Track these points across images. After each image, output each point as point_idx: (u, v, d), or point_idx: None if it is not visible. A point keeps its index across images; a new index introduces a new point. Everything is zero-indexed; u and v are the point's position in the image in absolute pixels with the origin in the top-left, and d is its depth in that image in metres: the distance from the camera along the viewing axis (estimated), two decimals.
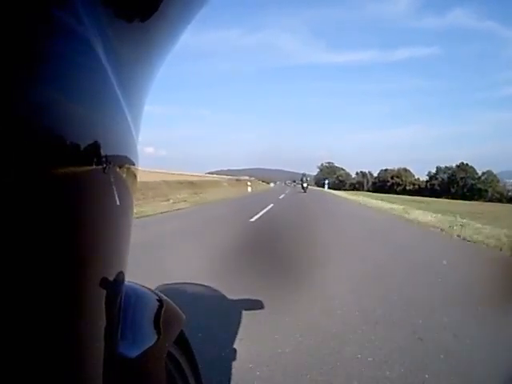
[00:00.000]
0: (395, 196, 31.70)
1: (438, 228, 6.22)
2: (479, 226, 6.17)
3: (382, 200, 15.95)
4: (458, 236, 5.28)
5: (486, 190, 55.92)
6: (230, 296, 2.10)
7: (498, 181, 58.34)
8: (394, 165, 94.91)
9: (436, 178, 63.23)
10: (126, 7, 0.35)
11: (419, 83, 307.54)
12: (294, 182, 48.62)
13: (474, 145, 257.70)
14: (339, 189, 52.09)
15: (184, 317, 0.58)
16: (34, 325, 0.25)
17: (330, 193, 27.15)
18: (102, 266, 0.32)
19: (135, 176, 0.40)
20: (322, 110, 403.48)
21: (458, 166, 61.64)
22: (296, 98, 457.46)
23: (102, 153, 0.30)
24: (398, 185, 65.53)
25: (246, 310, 1.87)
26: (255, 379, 1.35)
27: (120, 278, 0.36)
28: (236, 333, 1.70)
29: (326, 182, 36.86)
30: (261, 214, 7.82)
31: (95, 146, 0.29)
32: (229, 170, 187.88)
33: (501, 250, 4.24)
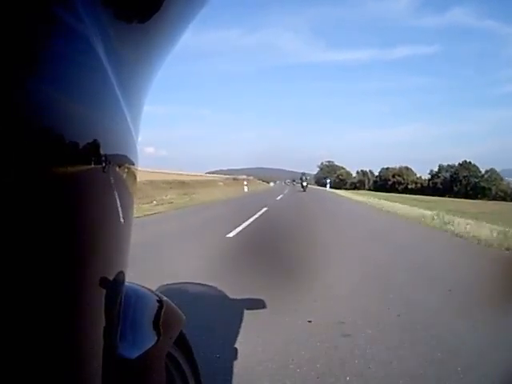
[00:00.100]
0: (398, 195, 30.98)
1: None
2: None
3: (389, 200, 13.71)
4: None
5: (490, 189, 55.59)
6: (231, 296, 2.10)
7: (501, 179, 57.92)
8: (394, 163, 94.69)
9: (438, 177, 62.94)
10: (127, 7, 0.35)
11: (419, 81, 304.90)
12: (294, 181, 48.46)
13: (474, 143, 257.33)
14: (340, 188, 51.93)
15: (184, 317, 0.58)
16: (34, 325, 0.25)
17: (333, 192, 25.20)
18: (102, 265, 0.32)
19: (135, 176, 0.40)
20: (322, 109, 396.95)
21: (460, 165, 61.31)
22: (296, 97, 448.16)
23: (102, 152, 0.30)
24: (400, 183, 65.31)
25: (247, 309, 1.86)
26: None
27: (120, 278, 0.36)
28: (237, 333, 1.69)
29: (328, 181, 35.93)
30: (247, 223, 5.79)
31: (95, 146, 0.29)
32: (229, 170, 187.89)
33: None
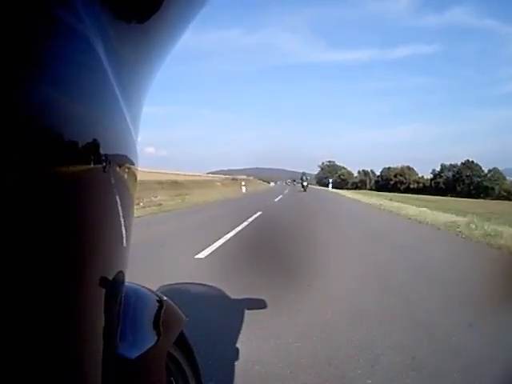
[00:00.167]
0: (401, 195, 30.31)
1: None
2: None
3: (401, 202, 11.94)
4: None
5: (493, 188, 55.25)
6: (232, 296, 2.10)
7: (504, 178, 57.50)
8: (395, 163, 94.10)
9: (441, 176, 62.65)
10: (127, 7, 0.35)
11: (419, 81, 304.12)
12: (294, 181, 48.17)
13: (475, 142, 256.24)
14: (341, 188, 51.59)
15: (184, 317, 0.58)
16: (34, 325, 0.25)
17: (336, 193, 22.63)
18: (101, 265, 0.32)
19: (135, 176, 0.40)
20: (322, 109, 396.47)
21: (463, 164, 61.01)
22: (296, 97, 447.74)
23: (102, 152, 0.30)
24: (402, 183, 65.11)
25: (248, 309, 1.86)
26: None
27: (120, 278, 0.36)
28: (238, 333, 1.68)
29: (330, 180, 33.90)
30: (231, 234, 4.62)
31: (95, 146, 0.29)
32: (229, 170, 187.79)
33: None
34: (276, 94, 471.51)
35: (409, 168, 68.18)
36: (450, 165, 62.97)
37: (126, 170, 0.36)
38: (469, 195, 48.60)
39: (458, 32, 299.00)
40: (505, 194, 51.21)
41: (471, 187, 57.05)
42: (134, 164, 0.38)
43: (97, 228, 0.31)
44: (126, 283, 0.41)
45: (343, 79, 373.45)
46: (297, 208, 10.03)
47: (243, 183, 23.31)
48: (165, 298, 0.56)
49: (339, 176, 77.23)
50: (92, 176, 0.30)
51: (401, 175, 66.29)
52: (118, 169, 0.34)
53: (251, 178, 56.54)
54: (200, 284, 2.34)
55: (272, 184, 64.66)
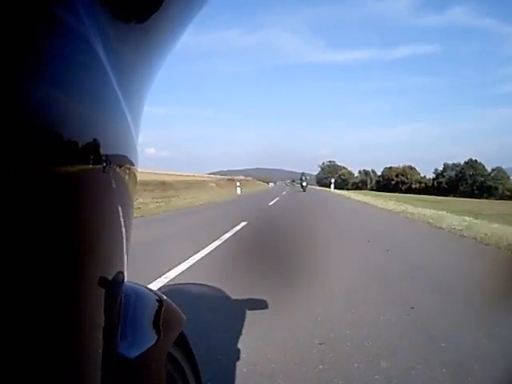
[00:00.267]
0: (403, 195, 29.37)
1: None
2: None
3: (413, 205, 10.01)
4: None
5: (497, 188, 54.67)
6: (233, 296, 2.09)
7: (508, 177, 56.92)
8: (395, 163, 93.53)
9: (443, 176, 62.19)
10: (126, 7, 0.35)
11: (419, 81, 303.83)
12: (293, 181, 47.89)
13: (476, 141, 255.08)
14: (342, 188, 51.10)
15: (184, 317, 0.58)
16: (34, 325, 0.25)
17: (340, 195, 19.94)
18: (101, 265, 0.32)
19: (135, 176, 0.40)
20: (322, 109, 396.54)
21: (466, 163, 60.41)
22: (296, 97, 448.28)
23: (102, 153, 0.30)
24: (403, 183, 64.76)
25: (249, 309, 1.85)
26: None
27: (120, 278, 0.37)
28: (239, 333, 1.68)
29: (332, 180, 31.11)
30: (203, 254, 3.27)
31: (95, 146, 0.29)
32: (229, 171, 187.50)
33: None
34: (276, 93, 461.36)
35: (411, 168, 67.81)
36: (453, 164, 62.44)
37: (127, 171, 0.36)
38: (472, 195, 48.20)
39: (457, 32, 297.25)
40: (508, 193, 50.57)
41: (474, 187, 56.58)
42: (134, 165, 0.38)
43: (97, 228, 0.31)
44: (126, 283, 0.41)
45: (343, 79, 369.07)
46: (293, 215, 7.76)
47: (238, 184, 21.89)
48: (165, 298, 0.56)
49: (340, 176, 76.98)
50: (92, 176, 0.30)
51: (402, 175, 65.95)
52: (118, 169, 0.34)
53: (250, 178, 55.99)
54: (200, 284, 2.35)
55: (271, 184, 64.25)
